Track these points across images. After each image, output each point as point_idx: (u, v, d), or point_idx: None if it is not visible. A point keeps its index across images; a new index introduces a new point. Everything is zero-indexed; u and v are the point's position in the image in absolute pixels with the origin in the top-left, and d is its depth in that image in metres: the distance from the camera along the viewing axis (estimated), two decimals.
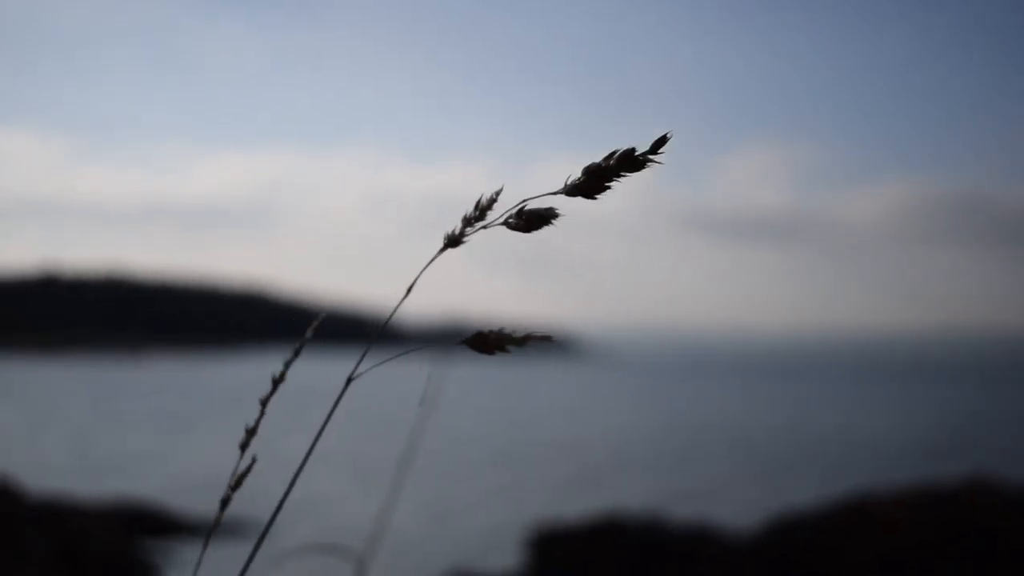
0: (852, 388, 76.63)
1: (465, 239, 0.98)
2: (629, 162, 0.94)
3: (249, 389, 60.09)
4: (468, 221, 0.98)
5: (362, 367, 0.97)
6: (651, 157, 0.94)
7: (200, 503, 19.55)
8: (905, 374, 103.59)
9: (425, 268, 0.96)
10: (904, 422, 45.83)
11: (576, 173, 0.93)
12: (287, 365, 1.11)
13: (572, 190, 0.96)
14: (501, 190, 0.97)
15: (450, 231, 0.97)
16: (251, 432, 1.10)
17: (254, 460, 1.11)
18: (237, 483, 1.09)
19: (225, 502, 1.11)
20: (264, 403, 1.10)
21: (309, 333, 1.10)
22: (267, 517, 1.12)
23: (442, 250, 0.98)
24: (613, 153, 0.95)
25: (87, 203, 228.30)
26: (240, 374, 77.14)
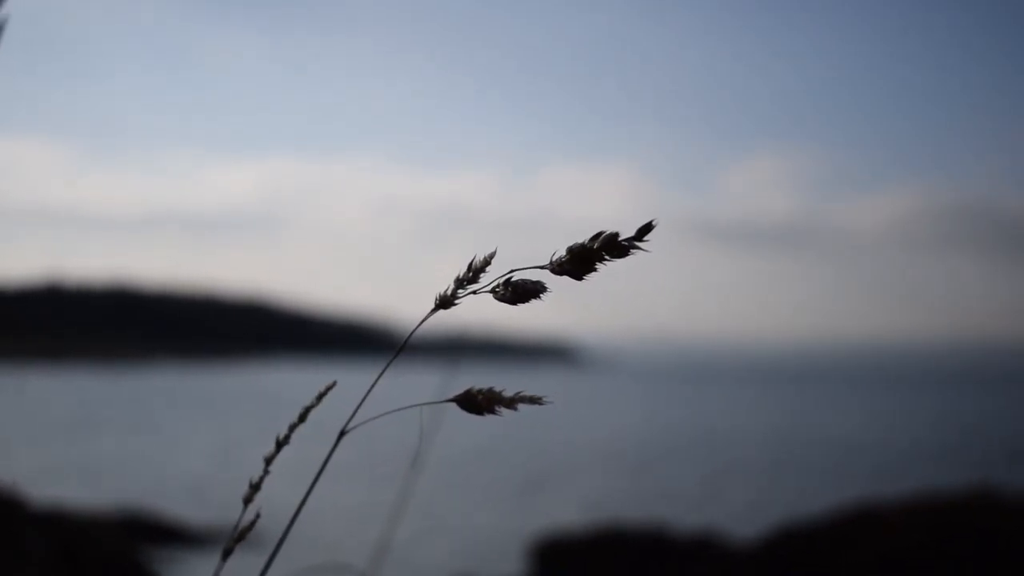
0: (858, 395, 76.51)
1: (457, 302, 0.98)
2: (613, 247, 0.92)
3: (249, 397, 60.09)
4: (460, 283, 0.97)
5: (355, 420, 0.97)
6: (636, 244, 0.93)
7: (199, 510, 19.56)
8: (911, 381, 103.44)
9: (416, 329, 0.96)
10: (910, 429, 45.74)
11: (561, 251, 0.91)
12: (291, 430, 1.09)
13: (558, 268, 0.95)
14: (494, 253, 0.96)
15: (442, 292, 0.97)
16: (255, 487, 1.09)
17: (258, 516, 1.09)
18: (240, 536, 1.08)
19: (228, 552, 1.10)
20: (268, 461, 1.09)
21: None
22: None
23: (433, 311, 0.98)
24: (598, 235, 0.93)
25: (92, 210, 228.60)
26: (240, 383, 77.17)
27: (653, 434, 42.64)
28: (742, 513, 21.40)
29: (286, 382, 76.70)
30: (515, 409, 0.96)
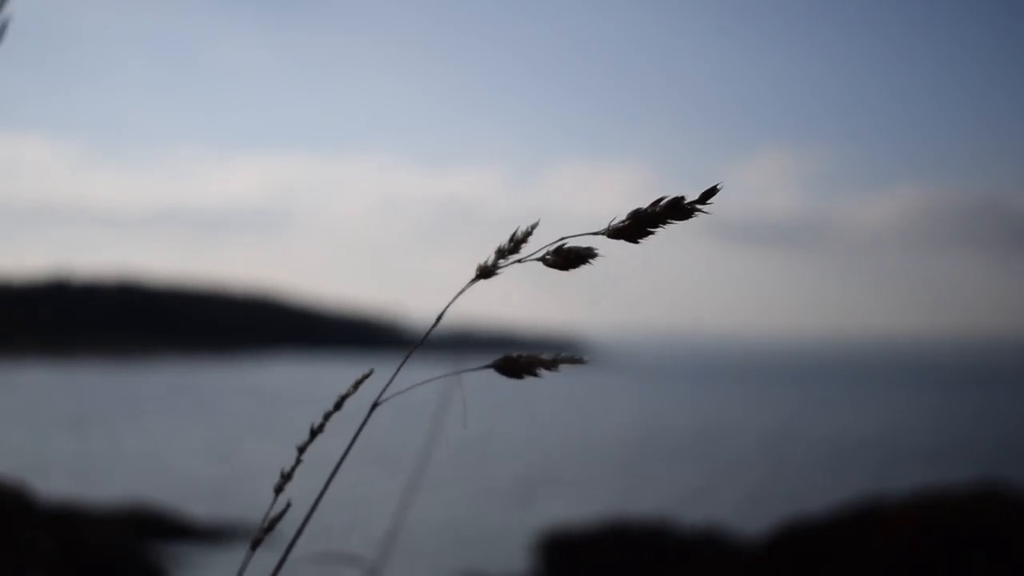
0: (864, 392, 76.45)
1: (499, 271, 0.96)
2: (677, 210, 0.93)
3: (256, 393, 60.14)
4: (502, 253, 0.96)
5: (388, 392, 0.95)
6: (699, 207, 0.93)
7: (203, 506, 19.59)
8: (916, 378, 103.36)
9: (456, 298, 0.94)
10: (915, 427, 45.69)
11: (621, 216, 0.92)
12: (326, 417, 1.07)
13: (615, 233, 0.95)
14: (537, 223, 0.96)
15: (483, 262, 0.96)
16: (287, 477, 1.07)
17: (288, 505, 1.08)
18: (270, 526, 1.06)
19: (257, 543, 1.08)
20: (301, 450, 1.07)
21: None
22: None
23: (474, 280, 0.96)
24: (660, 199, 0.94)
25: (99, 208, 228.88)
26: (247, 379, 77.26)
27: (659, 430, 42.62)
28: (747, 510, 21.40)
29: (293, 378, 76.78)
30: (556, 370, 0.95)
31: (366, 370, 1.08)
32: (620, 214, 0.94)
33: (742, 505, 22.57)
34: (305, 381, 69.79)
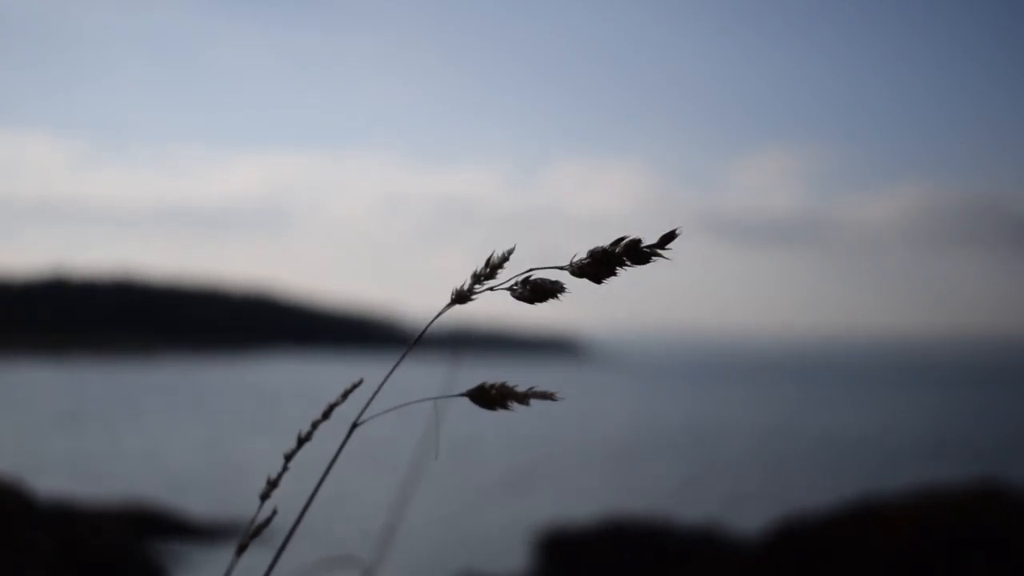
0: (863, 391, 76.44)
1: (474, 297, 0.97)
2: (634, 253, 0.92)
3: (254, 391, 60.12)
4: (477, 279, 0.97)
5: (367, 413, 0.96)
6: (658, 251, 0.92)
7: (203, 504, 19.59)
8: (916, 377, 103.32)
9: (431, 323, 0.96)
10: (914, 425, 45.70)
11: (582, 253, 0.92)
12: (314, 426, 1.09)
13: (577, 271, 0.95)
14: (512, 250, 0.96)
15: (459, 286, 0.97)
16: (273, 484, 1.08)
17: (274, 512, 1.09)
18: (256, 532, 1.07)
19: (242, 549, 1.10)
20: (288, 458, 1.08)
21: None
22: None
23: (449, 306, 0.97)
24: (620, 240, 0.93)
25: (99, 205, 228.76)
26: (246, 377, 77.23)
27: (658, 429, 42.62)
28: (745, 508, 21.41)
29: (292, 376, 76.75)
30: (527, 404, 0.96)
31: (358, 375, 1.09)
32: (581, 252, 0.93)
33: (741, 504, 22.59)
34: (304, 379, 69.76)
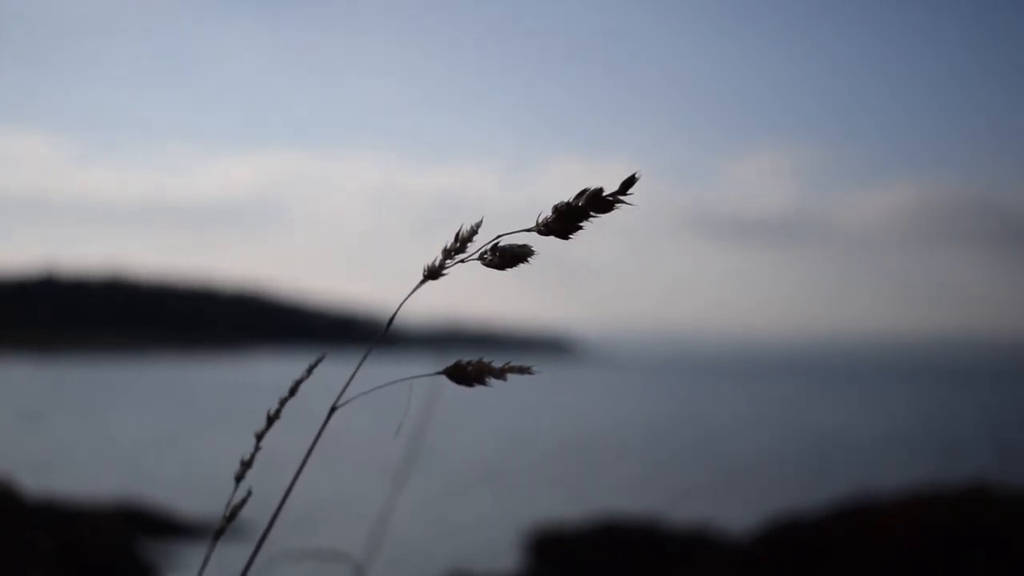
0: (856, 390, 76.56)
1: (445, 272, 0.97)
2: (597, 202, 0.92)
3: (244, 388, 60.09)
4: (448, 253, 0.97)
5: (347, 395, 0.96)
6: (620, 198, 0.92)
7: (193, 501, 19.56)
8: (909, 376, 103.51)
9: (405, 300, 0.95)
10: (908, 424, 45.78)
11: (547, 211, 0.92)
12: (281, 404, 1.08)
13: (543, 229, 0.94)
14: (481, 222, 0.96)
15: (430, 262, 0.96)
16: (247, 464, 1.08)
17: (249, 493, 1.09)
18: (232, 515, 1.07)
19: (219, 533, 1.09)
20: (259, 437, 1.08)
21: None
22: (259, 518, 1.11)
23: (422, 282, 0.97)
24: (583, 192, 0.93)
25: (90, 202, 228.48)
26: (235, 374, 77.21)
27: (650, 428, 42.65)
28: (738, 507, 21.42)
29: (280, 373, 76.71)
30: (504, 379, 0.96)
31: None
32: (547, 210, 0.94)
33: (735, 502, 22.60)
34: (295, 376, 69.61)
